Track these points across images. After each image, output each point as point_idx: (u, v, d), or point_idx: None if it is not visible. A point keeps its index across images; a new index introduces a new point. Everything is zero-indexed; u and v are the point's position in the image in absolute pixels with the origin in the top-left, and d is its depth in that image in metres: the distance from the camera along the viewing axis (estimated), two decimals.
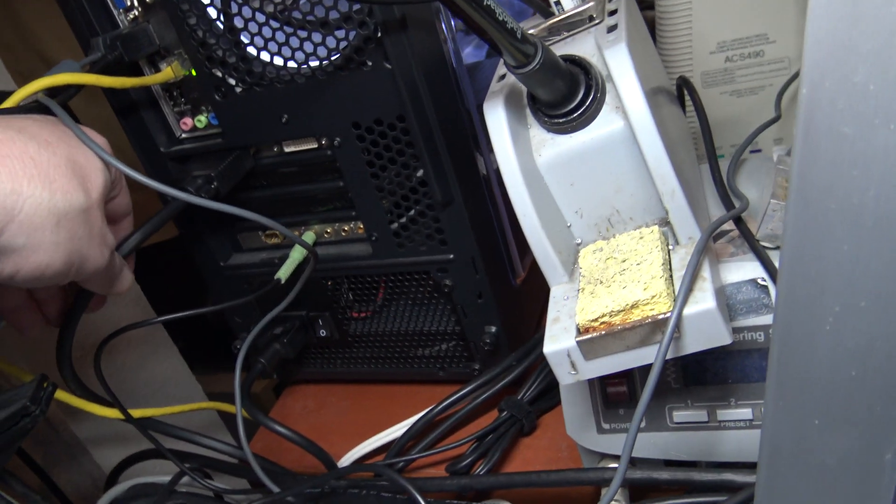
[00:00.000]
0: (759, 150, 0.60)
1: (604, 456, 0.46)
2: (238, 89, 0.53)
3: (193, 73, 0.54)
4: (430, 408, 0.55)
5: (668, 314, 0.34)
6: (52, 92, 0.47)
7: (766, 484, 0.25)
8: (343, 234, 0.59)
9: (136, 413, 0.54)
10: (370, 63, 0.48)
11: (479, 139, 0.55)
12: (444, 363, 0.61)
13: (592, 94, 0.39)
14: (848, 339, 0.21)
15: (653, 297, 0.35)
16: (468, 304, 0.56)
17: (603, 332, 0.36)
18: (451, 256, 0.54)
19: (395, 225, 0.55)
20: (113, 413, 0.52)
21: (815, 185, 0.21)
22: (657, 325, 0.35)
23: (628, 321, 0.35)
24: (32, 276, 0.37)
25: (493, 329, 0.56)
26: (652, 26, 0.60)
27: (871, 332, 0.21)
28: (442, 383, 0.61)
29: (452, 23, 0.52)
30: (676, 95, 0.55)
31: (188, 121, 0.57)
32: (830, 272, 0.21)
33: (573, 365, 0.37)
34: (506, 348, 0.57)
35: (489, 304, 0.55)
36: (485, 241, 0.54)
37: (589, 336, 0.36)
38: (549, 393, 0.55)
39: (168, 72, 0.54)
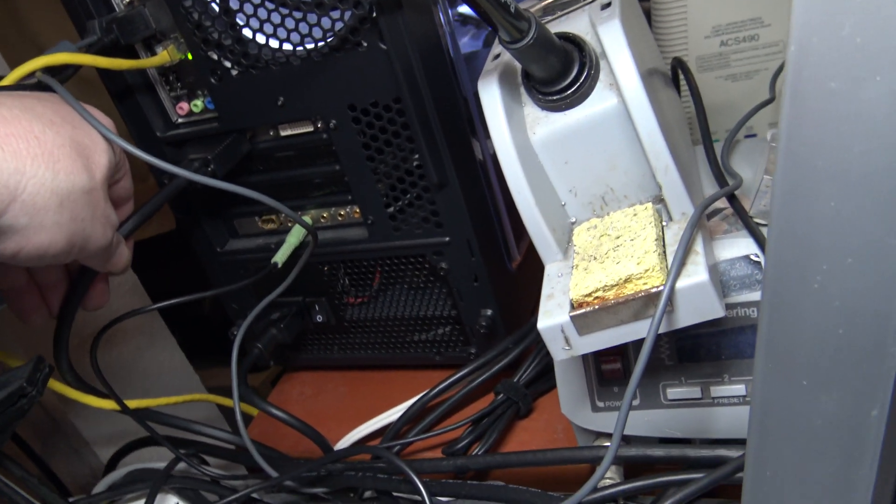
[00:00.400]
0: (754, 136, 0.60)
1: (599, 435, 0.46)
2: (234, 72, 0.53)
3: (189, 56, 0.54)
4: (426, 391, 0.55)
5: (661, 287, 0.34)
6: (48, 72, 0.47)
7: (757, 447, 0.25)
8: (339, 218, 0.59)
9: (133, 404, 0.54)
10: (365, 44, 0.48)
11: (475, 125, 0.55)
12: (440, 347, 0.61)
13: (586, 70, 0.39)
14: (835, 298, 0.21)
15: (646, 271, 0.35)
16: (464, 288, 0.56)
17: (596, 307, 0.36)
18: (447, 239, 0.54)
19: (392, 208, 0.55)
20: (109, 404, 0.52)
21: (803, 144, 0.21)
22: (650, 298, 0.35)
23: (622, 295, 0.36)
24: (35, 255, 0.37)
25: (489, 312, 0.56)
26: (648, 15, 0.60)
27: (857, 289, 0.21)
28: (439, 368, 0.61)
29: (449, 9, 0.53)
30: (671, 79, 0.55)
31: (184, 105, 0.57)
32: (818, 230, 0.21)
33: (567, 340, 0.37)
34: (502, 332, 0.57)
35: (485, 288, 0.55)
36: (480, 224, 0.54)
37: (582, 311, 0.36)
38: (546, 376, 0.55)
39: (164, 55, 0.54)
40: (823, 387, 0.23)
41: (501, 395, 0.53)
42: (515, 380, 0.54)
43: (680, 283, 0.34)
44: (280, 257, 0.56)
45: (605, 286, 0.36)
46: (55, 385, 0.51)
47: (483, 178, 0.55)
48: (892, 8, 0.18)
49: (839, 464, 0.23)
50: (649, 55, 0.46)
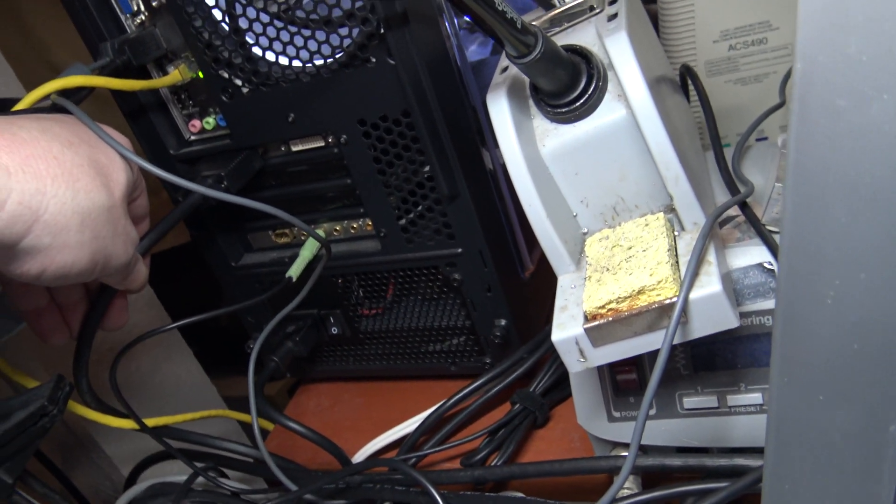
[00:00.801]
0: (765, 139, 0.60)
1: (615, 444, 0.46)
2: (244, 90, 0.54)
3: (200, 75, 0.55)
4: (442, 402, 0.55)
5: (675, 299, 0.34)
6: (63, 94, 0.48)
7: (774, 462, 0.25)
8: (352, 231, 0.59)
9: (151, 422, 0.54)
10: (374, 59, 0.49)
11: (484, 135, 0.55)
12: (455, 358, 0.61)
13: (594, 82, 0.40)
14: (849, 313, 0.21)
15: (659, 282, 0.35)
16: (477, 298, 0.56)
17: (610, 319, 0.36)
18: (460, 250, 0.54)
19: (404, 221, 0.55)
20: (128, 424, 0.53)
21: (812, 160, 0.21)
22: (664, 310, 0.35)
23: (635, 307, 0.36)
24: (59, 274, 0.37)
25: (503, 322, 0.56)
26: (654, 20, 0.60)
27: (871, 305, 0.21)
28: (454, 378, 0.62)
29: (455, 19, 0.53)
30: (680, 85, 0.55)
31: (196, 123, 0.58)
32: (830, 246, 0.21)
33: (581, 352, 0.37)
34: (516, 341, 0.57)
35: (498, 298, 0.55)
36: (492, 234, 0.54)
37: (596, 323, 0.36)
38: (561, 384, 0.55)
39: (175, 74, 0.55)
40: (840, 402, 0.23)
41: (518, 405, 0.53)
42: (531, 389, 0.54)
43: (693, 295, 0.34)
44: (294, 271, 0.57)
45: (619, 298, 0.36)
46: (75, 407, 0.51)
47: (494, 189, 0.56)
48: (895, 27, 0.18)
49: (857, 478, 0.23)
50: (656, 63, 0.46)
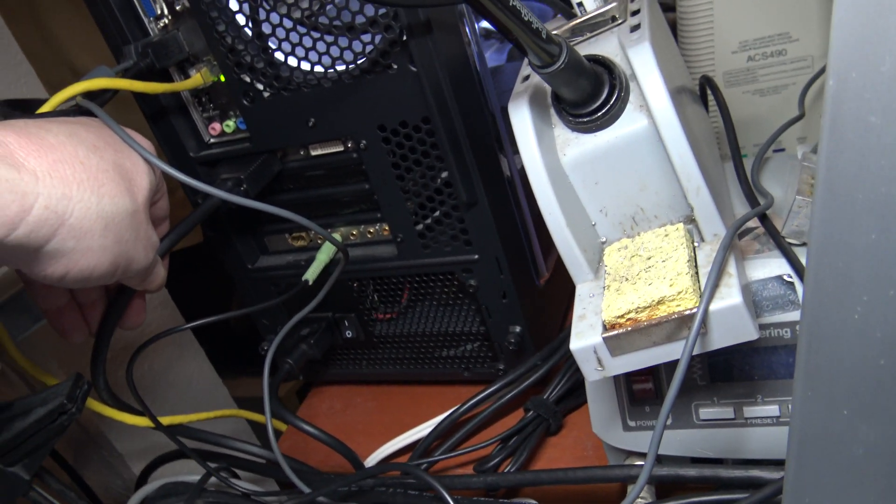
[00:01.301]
0: (782, 150, 0.60)
1: (630, 454, 0.46)
2: (266, 94, 0.54)
3: (222, 78, 0.55)
4: (456, 407, 0.55)
5: (695, 310, 0.35)
6: (87, 96, 0.48)
7: (795, 476, 0.26)
8: (368, 235, 0.59)
9: (166, 420, 0.55)
10: (395, 66, 0.49)
11: (503, 141, 0.55)
12: (468, 364, 0.61)
13: (616, 92, 0.40)
14: (876, 329, 0.22)
15: (679, 293, 0.35)
16: (492, 305, 0.56)
17: (629, 329, 0.36)
18: (476, 257, 0.55)
19: (421, 226, 0.56)
20: (143, 421, 0.53)
21: (843, 176, 0.21)
22: (683, 320, 0.35)
23: (654, 317, 0.36)
24: (81, 277, 0.38)
25: (518, 329, 0.57)
26: (673, 28, 0.60)
27: None
28: (467, 384, 0.62)
29: (476, 26, 0.53)
30: (699, 95, 0.55)
31: (217, 126, 0.58)
32: (858, 262, 0.21)
33: (599, 361, 0.37)
34: (531, 348, 0.57)
35: (513, 304, 0.56)
36: (509, 241, 0.54)
37: (615, 332, 0.36)
38: (575, 392, 0.55)
39: (197, 78, 0.56)
40: (864, 416, 0.23)
41: (531, 412, 0.54)
42: (545, 396, 0.54)
43: (714, 306, 0.34)
44: (311, 275, 0.57)
45: (638, 308, 0.36)
46: (91, 403, 0.52)
47: (511, 196, 0.56)
48: None
49: (879, 493, 0.23)
50: (677, 73, 0.46)
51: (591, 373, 0.37)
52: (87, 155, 0.38)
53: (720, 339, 0.35)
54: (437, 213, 0.55)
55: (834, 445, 0.24)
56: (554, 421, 0.53)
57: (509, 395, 0.55)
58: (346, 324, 0.63)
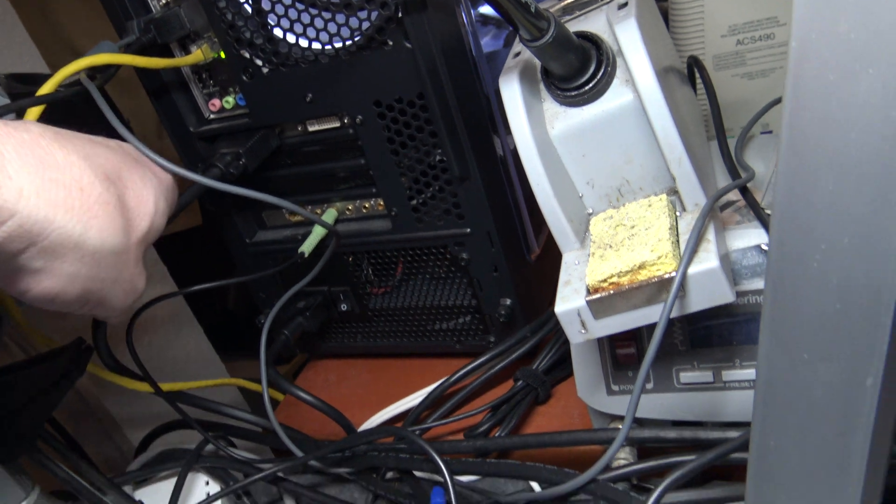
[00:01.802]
0: (769, 132, 0.61)
1: (614, 418, 0.47)
2: (264, 70, 0.55)
3: (222, 55, 0.57)
4: (447, 377, 0.57)
5: (674, 273, 0.36)
6: (91, 71, 0.50)
7: (761, 418, 0.27)
8: (364, 210, 0.61)
9: (165, 387, 0.56)
10: (391, 43, 0.50)
11: (496, 122, 0.57)
12: (460, 336, 0.63)
13: (603, 67, 0.41)
14: (832, 276, 0.23)
15: (659, 257, 0.37)
16: (484, 278, 0.58)
17: (611, 292, 0.38)
18: (468, 231, 0.56)
19: (415, 201, 0.57)
20: (143, 387, 0.55)
21: (804, 132, 0.23)
22: (663, 284, 0.37)
23: (636, 281, 0.37)
24: (42, 298, 0.36)
25: (508, 302, 0.58)
26: (665, 16, 0.61)
27: (852, 267, 0.23)
28: (459, 356, 0.63)
29: (472, 10, 0.54)
30: (687, 77, 0.56)
31: (216, 102, 0.60)
32: (818, 213, 0.23)
33: (583, 324, 0.39)
34: (521, 321, 0.59)
35: (504, 278, 0.57)
36: (500, 216, 0.56)
37: (598, 296, 0.38)
38: (563, 363, 0.56)
39: (198, 54, 0.57)
40: (822, 359, 0.24)
41: (521, 381, 0.55)
42: (534, 367, 0.56)
43: (692, 269, 0.36)
44: (306, 247, 0.59)
45: (620, 272, 0.38)
46: (92, 367, 0.53)
47: (503, 173, 0.57)
48: (882, 7, 0.20)
49: (837, 430, 0.25)
50: (665, 53, 0.47)
51: (574, 335, 0.39)
52: (93, 182, 0.36)
53: (698, 301, 0.37)
54: (431, 188, 0.56)
55: (795, 388, 0.25)
56: (542, 390, 0.55)
57: (499, 366, 0.57)
58: (342, 297, 0.65)
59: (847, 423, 0.24)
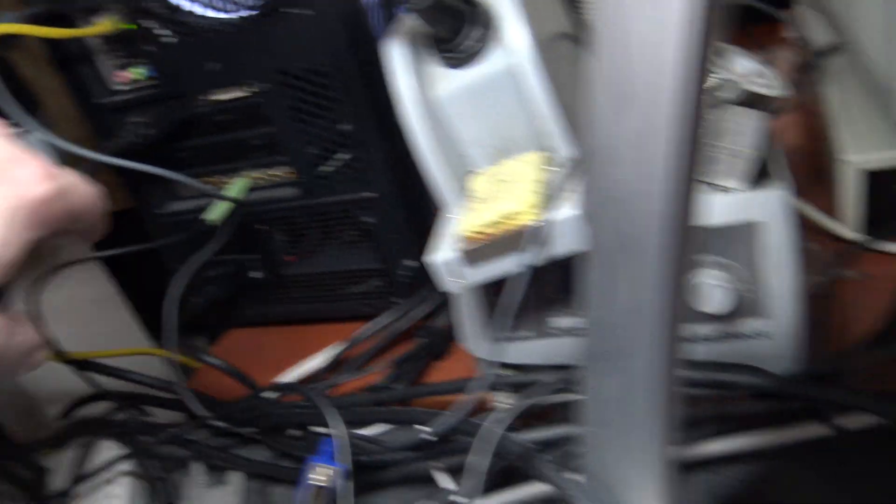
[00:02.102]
0: None
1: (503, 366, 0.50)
2: (171, 41, 0.56)
3: (129, 26, 0.57)
4: (348, 339, 0.59)
5: (538, 222, 0.39)
6: None
7: (589, 350, 0.30)
8: (274, 179, 0.62)
9: (76, 355, 0.57)
10: (294, 11, 0.52)
11: None
12: (370, 299, 0.65)
13: (482, 30, 0.43)
14: (618, 192, 0.26)
15: (526, 208, 0.40)
16: (388, 241, 0.60)
17: (481, 242, 0.40)
18: (373, 195, 0.58)
19: (321, 168, 0.59)
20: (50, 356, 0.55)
21: (607, 72, 0.25)
22: (528, 232, 0.39)
23: (503, 230, 0.40)
24: None
25: (412, 263, 0.60)
26: None
27: (629, 184, 0.25)
28: (370, 319, 0.65)
29: None
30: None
31: (124, 73, 0.60)
32: (620, 146, 0.26)
33: (455, 273, 0.41)
34: (426, 282, 0.61)
35: (407, 240, 0.59)
36: (403, 180, 0.58)
37: (469, 246, 0.41)
38: None
39: (105, 24, 0.57)
40: (620, 271, 0.27)
41: (421, 338, 0.58)
42: (435, 325, 0.58)
43: (554, 216, 0.39)
44: (211, 215, 0.59)
45: (490, 223, 0.40)
46: None
47: (405, 139, 0.59)
48: None
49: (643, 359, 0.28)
50: (553, 18, 0.50)
51: (447, 283, 0.41)
52: None
53: (561, 247, 0.40)
54: (337, 155, 0.58)
55: (606, 298, 0.28)
56: (442, 346, 0.58)
57: (399, 325, 0.59)
58: (254, 265, 0.66)
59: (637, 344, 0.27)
